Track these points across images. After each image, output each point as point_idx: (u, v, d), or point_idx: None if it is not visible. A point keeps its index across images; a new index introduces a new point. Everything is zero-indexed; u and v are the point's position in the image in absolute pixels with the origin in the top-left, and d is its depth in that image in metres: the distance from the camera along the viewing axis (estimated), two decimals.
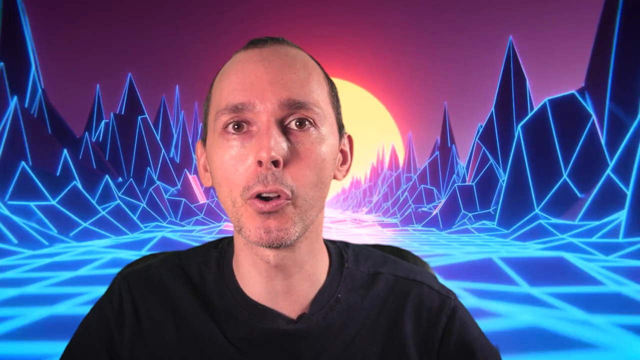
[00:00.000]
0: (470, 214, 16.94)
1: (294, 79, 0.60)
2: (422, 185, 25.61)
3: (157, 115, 25.41)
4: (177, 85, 28.45)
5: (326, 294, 0.67)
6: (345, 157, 0.69)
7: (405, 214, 23.49)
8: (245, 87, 0.60)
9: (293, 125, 0.60)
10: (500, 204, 13.46)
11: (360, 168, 50.14)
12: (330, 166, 0.63)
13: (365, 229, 16.29)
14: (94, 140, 18.25)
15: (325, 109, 0.63)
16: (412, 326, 0.67)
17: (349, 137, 0.70)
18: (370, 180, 44.72)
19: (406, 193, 26.22)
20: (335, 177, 0.66)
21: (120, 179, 16.09)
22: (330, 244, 0.73)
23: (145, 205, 15.31)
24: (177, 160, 24.47)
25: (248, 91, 0.59)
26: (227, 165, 0.60)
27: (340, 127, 0.67)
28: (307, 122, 0.60)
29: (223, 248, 0.72)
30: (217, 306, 0.67)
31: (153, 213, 15.39)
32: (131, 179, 15.77)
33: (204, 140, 0.68)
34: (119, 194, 14.61)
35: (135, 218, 13.54)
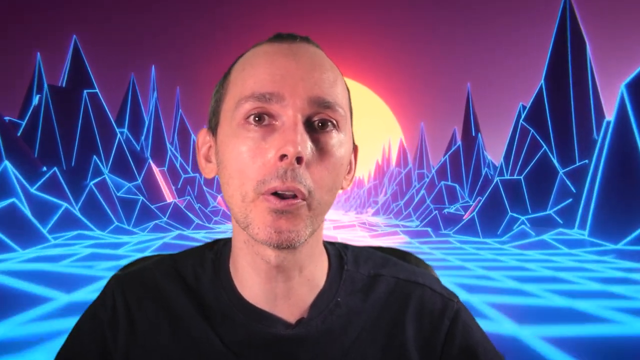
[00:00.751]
0: (522, 218, 12.35)
1: (324, 78, 0.58)
2: (442, 182, 21.01)
3: (125, 97, 20.84)
4: (153, 66, 23.88)
5: (325, 297, 0.64)
6: (350, 167, 0.66)
7: (427, 217, 18.95)
8: (276, 79, 0.56)
9: (317, 125, 0.57)
10: (593, 205, 8.83)
11: (364, 166, 45.94)
12: (343, 172, 0.60)
13: (386, 239, 11.69)
14: (24, 120, 13.65)
15: (347, 113, 0.61)
16: (414, 330, 0.64)
17: (356, 148, 0.67)
18: (375, 178, 40.04)
19: (423, 191, 21.63)
20: (341, 186, 0.63)
21: (44, 168, 11.44)
22: (329, 246, 0.69)
23: (70, 206, 10.68)
24: (147, 151, 19.89)
25: (278, 83, 0.56)
26: (244, 156, 0.56)
27: (352, 135, 0.65)
28: (330, 124, 0.58)
29: (219, 249, 0.69)
30: (213, 309, 0.64)
31: (81, 217, 10.75)
32: (55, 169, 11.10)
33: (212, 129, 0.63)
34: (32, 190, 10.01)
35: (40, 226, 8.89)
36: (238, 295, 0.63)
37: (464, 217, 14.76)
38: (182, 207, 14.99)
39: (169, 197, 16.03)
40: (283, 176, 0.54)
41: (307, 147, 0.54)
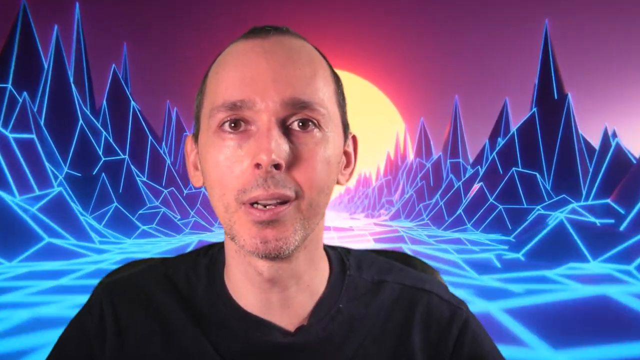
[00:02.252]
0: None
1: (299, 75, 0.53)
2: (513, 169, 13.02)
3: (10, 36, 12.86)
4: (77, 2, 15.89)
5: (326, 304, 0.60)
6: (349, 159, 0.62)
7: (497, 224, 11.09)
8: (245, 83, 0.52)
9: (295, 126, 0.53)
10: None
11: (369, 162, 38.06)
12: (334, 170, 0.56)
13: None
14: None
15: (331, 108, 0.55)
16: (420, 339, 0.60)
17: (354, 138, 0.63)
18: (386, 173, 31.91)
19: (479, 185, 13.62)
20: (338, 182, 0.58)
21: None
22: (330, 250, 0.65)
23: None
24: (41, 117, 11.93)
25: (248, 87, 0.52)
26: (222, 166, 0.53)
27: (346, 127, 0.59)
28: (310, 123, 0.53)
29: (213, 255, 0.65)
30: (207, 317, 0.59)
31: None
32: None
33: (195, 136, 0.60)
34: None
35: None
36: (234, 303, 0.59)
37: (628, 233, 6.72)
38: (21, 208, 6.88)
39: (30, 188, 7.96)
40: (264, 185, 0.50)
41: (283, 152, 0.50)
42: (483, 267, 5.78)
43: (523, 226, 10.18)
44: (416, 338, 0.59)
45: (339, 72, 0.60)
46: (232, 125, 0.52)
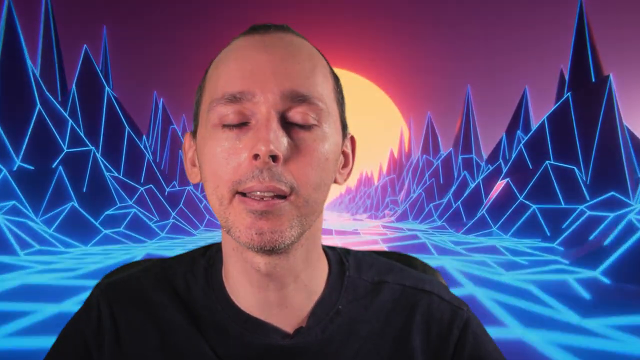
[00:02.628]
0: None
1: (298, 69, 0.53)
2: (547, 162, 11.08)
3: None
4: None
5: (325, 305, 0.59)
6: (347, 160, 0.61)
7: (532, 227, 9.29)
8: (245, 75, 0.52)
9: (294, 120, 0.52)
10: None
11: (372, 161, 36.18)
12: (332, 167, 0.55)
13: None
14: None
15: (330, 105, 0.55)
16: (421, 340, 0.59)
17: (352, 138, 0.62)
18: (389, 172, 29.94)
19: (505, 181, 11.66)
20: (335, 181, 0.58)
21: None
22: (329, 251, 0.64)
23: None
24: None
25: (248, 79, 0.52)
26: (218, 158, 0.52)
27: (344, 126, 0.59)
28: (309, 118, 0.52)
29: (211, 256, 0.64)
30: (205, 319, 0.59)
31: None
32: None
33: (193, 133, 0.60)
34: None
35: None
36: (232, 304, 0.58)
37: None
38: None
39: None
40: (259, 176, 0.49)
41: (281, 144, 0.50)
42: (569, 299, 3.84)
43: (570, 230, 8.22)
44: (417, 339, 0.59)
45: (339, 71, 0.59)
46: (231, 118, 0.52)
